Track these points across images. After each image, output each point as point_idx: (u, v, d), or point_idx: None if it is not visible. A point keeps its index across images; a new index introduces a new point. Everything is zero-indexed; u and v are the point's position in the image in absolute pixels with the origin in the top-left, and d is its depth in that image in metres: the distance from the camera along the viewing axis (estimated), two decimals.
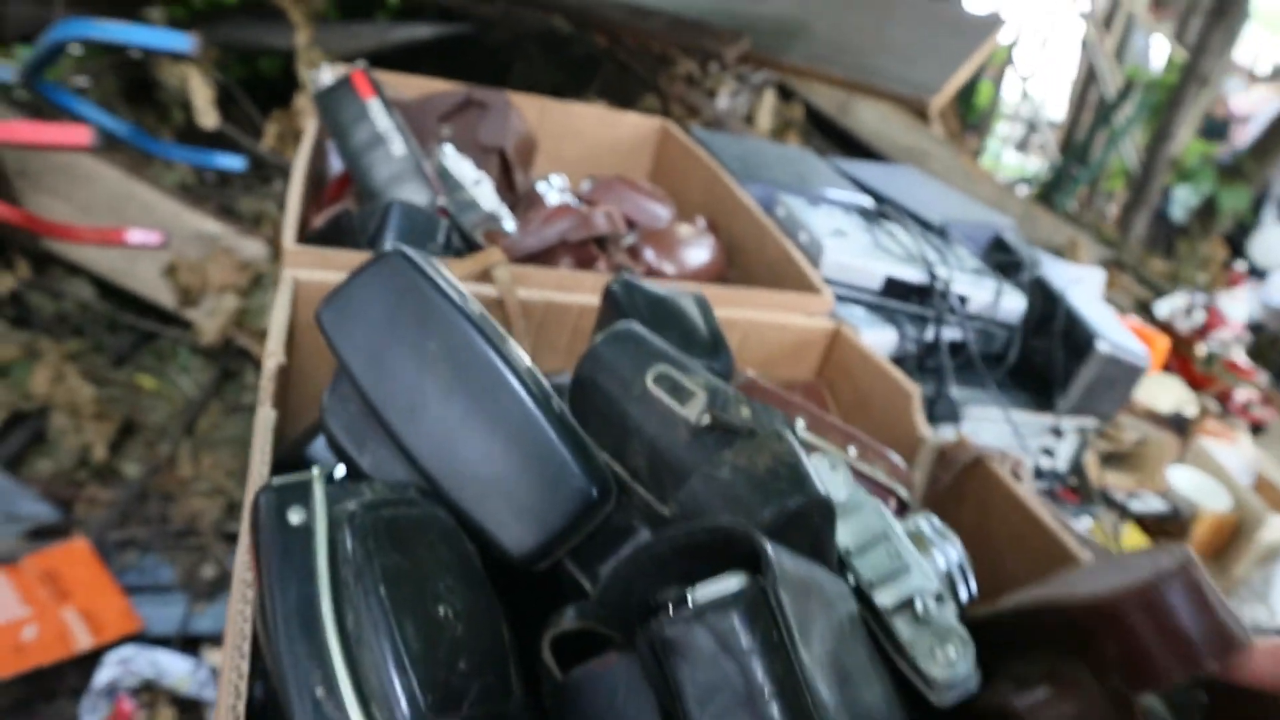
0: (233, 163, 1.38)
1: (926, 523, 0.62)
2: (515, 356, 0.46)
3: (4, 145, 1.06)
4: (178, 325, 1.76)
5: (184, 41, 1.04)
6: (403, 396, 0.45)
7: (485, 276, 0.74)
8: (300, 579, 0.40)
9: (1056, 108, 5.11)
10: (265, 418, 0.53)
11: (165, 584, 1.44)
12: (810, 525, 0.45)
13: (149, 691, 1.29)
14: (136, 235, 1.32)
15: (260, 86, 2.54)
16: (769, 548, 0.37)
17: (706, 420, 0.45)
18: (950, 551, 0.59)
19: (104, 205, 1.67)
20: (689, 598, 0.36)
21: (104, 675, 1.24)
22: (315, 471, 0.43)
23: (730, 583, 0.36)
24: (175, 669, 1.28)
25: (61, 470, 1.57)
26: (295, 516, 0.42)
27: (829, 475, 0.55)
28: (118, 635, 1.32)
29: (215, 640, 1.39)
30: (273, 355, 0.60)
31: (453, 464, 0.44)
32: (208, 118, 1.66)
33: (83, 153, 1.13)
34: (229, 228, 1.75)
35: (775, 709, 0.34)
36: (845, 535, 0.55)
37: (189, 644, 1.38)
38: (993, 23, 2.18)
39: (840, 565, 0.52)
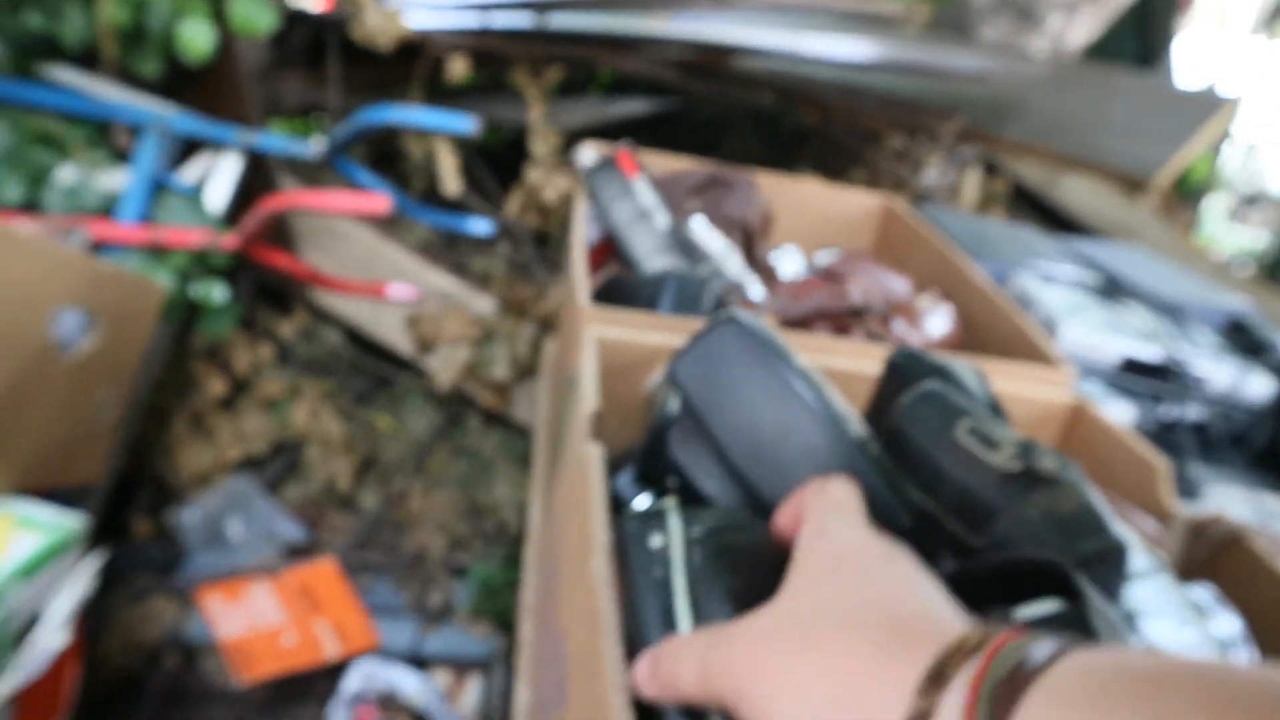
0: (484, 227, 1.53)
1: (1201, 593, 0.64)
2: (838, 403, 0.53)
3: (314, 211, 1.24)
4: (412, 372, 1.94)
5: (467, 124, 1.19)
6: (745, 437, 0.52)
7: None
8: (661, 594, 0.48)
9: (1277, 178, 4.80)
10: (594, 452, 0.61)
11: (397, 607, 1.58)
12: (1105, 568, 0.49)
13: (386, 703, 1.41)
14: (395, 290, 1.48)
15: (485, 156, 2.77)
16: (1081, 579, 0.42)
17: (1017, 466, 0.50)
18: (1231, 622, 0.61)
19: (357, 262, 1.88)
20: (1012, 616, 0.41)
21: (351, 683, 1.37)
22: (670, 502, 0.51)
23: (1049, 605, 0.41)
24: (410, 684, 1.40)
25: (310, 497, 1.75)
26: (655, 541, 0.50)
27: (1125, 533, 0.59)
28: (360, 649, 1.45)
29: (442, 662, 1.50)
30: (588, 401, 0.69)
31: (786, 493, 0.51)
32: (453, 185, 1.84)
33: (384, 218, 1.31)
34: (462, 285, 1.92)
35: None
36: (1131, 598, 0.58)
37: (416, 663, 1.50)
38: (1217, 100, 2.12)
39: (1129, 627, 0.55)
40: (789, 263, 1.17)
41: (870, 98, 1.94)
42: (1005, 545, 0.49)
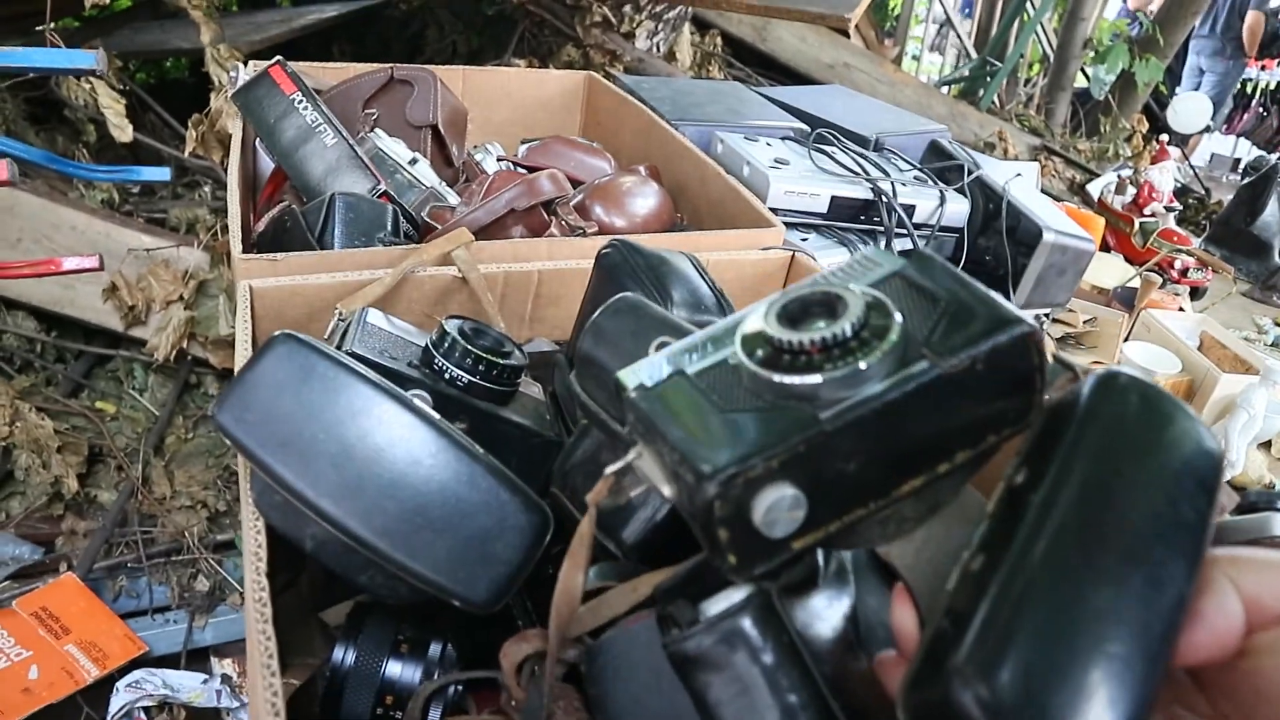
0: (159, 174, 1.35)
1: None
2: (425, 410, 0.47)
3: None
4: (128, 345, 1.73)
5: (88, 59, 1.01)
6: (330, 476, 0.44)
7: (444, 259, 0.74)
8: None
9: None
10: None
11: (161, 604, 1.44)
12: None
13: (166, 710, 1.30)
14: (72, 262, 1.29)
15: (168, 89, 2.46)
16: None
17: None
18: None
19: (32, 235, 1.63)
20: (700, 613, 0.38)
21: (118, 701, 1.25)
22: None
23: (737, 593, 0.37)
24: (187, 685, 1.29)
25: (35, 508, 1.55)
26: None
27: None
28: (123, 661, 1.32)
29: (220, 651, 1.40)
30: (240, 365, 0.60)
31: (397, 530, 0.44)
32: (123, 132, 1.61)
33: (2, 187, 1.10)
34: (163, 240, 1.71)
35: (797, 703, 0.36)
36: None
37: (195, 658, 1.39)
38: None
39: None
40: (491, 161, 1.09)
41: None
42: None
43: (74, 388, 1.72)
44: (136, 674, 1.28)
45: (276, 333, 0.46)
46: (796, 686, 0.36)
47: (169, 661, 1.35)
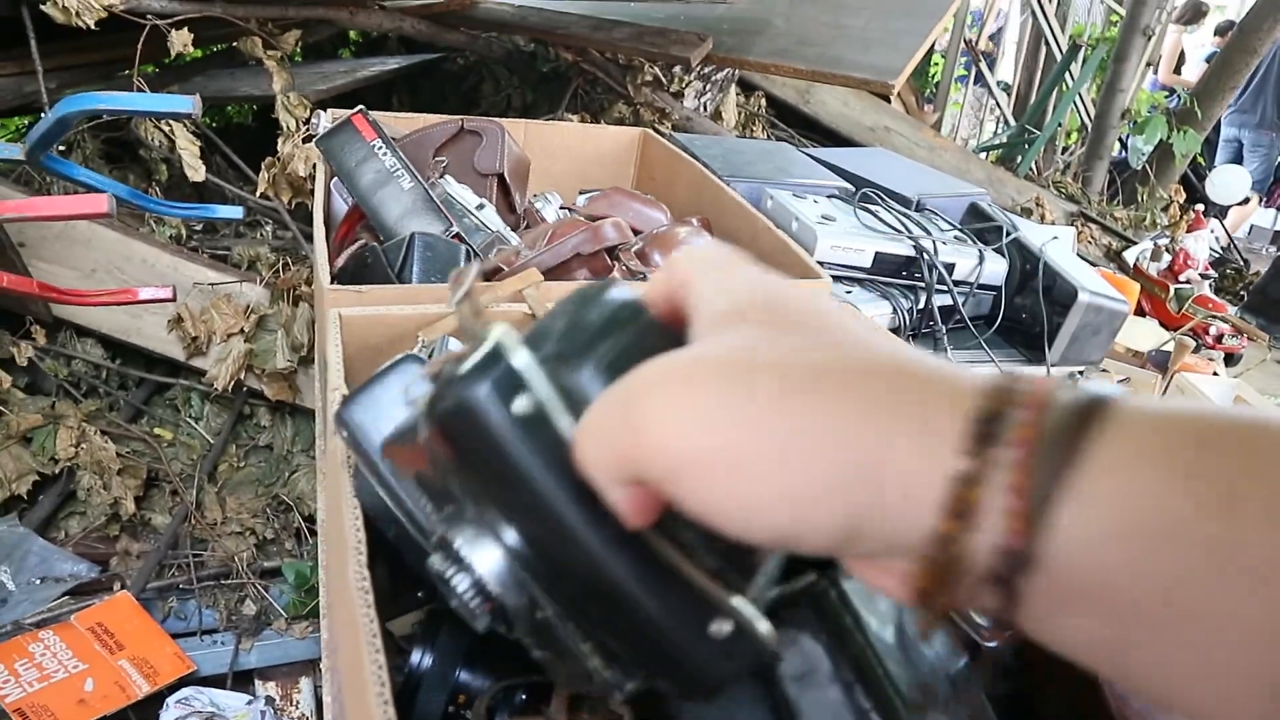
0: (232, 213, 1.43)
1: None
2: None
3: (23, 220, 1.11)
4: (188, 374, 1.80)
5: (186, 104, 1.09)
6: None
7: (516, 296, 0.79)
8: None
9: (1007, 72, 5.22)
10: (343, 447, 0.58)
11: (209, 626, 1.49)
12: None
13: None
14: (148, 292, 1.36)
15: (231, 132, 2.58)
16: None
17: None
18: None
19: (105, 266, 1.71)
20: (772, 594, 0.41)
21: (168, 716, 1.28)
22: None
23: (807, 577, 0.41)
24: (233, 705, 1.33)
25: (93, 528, 1.61)
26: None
27: None
28: (173, 678, 1.36)
29: (265, 674, 1.43)
30: (336, 389, 0.65)
31: None
32: (196, 172, 1.70)
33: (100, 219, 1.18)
34: (226, 275, 1.79)
35: (855, 679, 0.40)
36: None
37: (239, 680, 1.42)
38: (942, 1, 2.25)
39: None
40: (552, 209, 1.15)
41: (622, 30, 1.93)
42: None
43: (134, 413, 1.79)
44: (185, 691, 1.32)
45: (400, 355, 0.51)
46: (853, 670, 0.39)
47: (214, 682, 1.39)
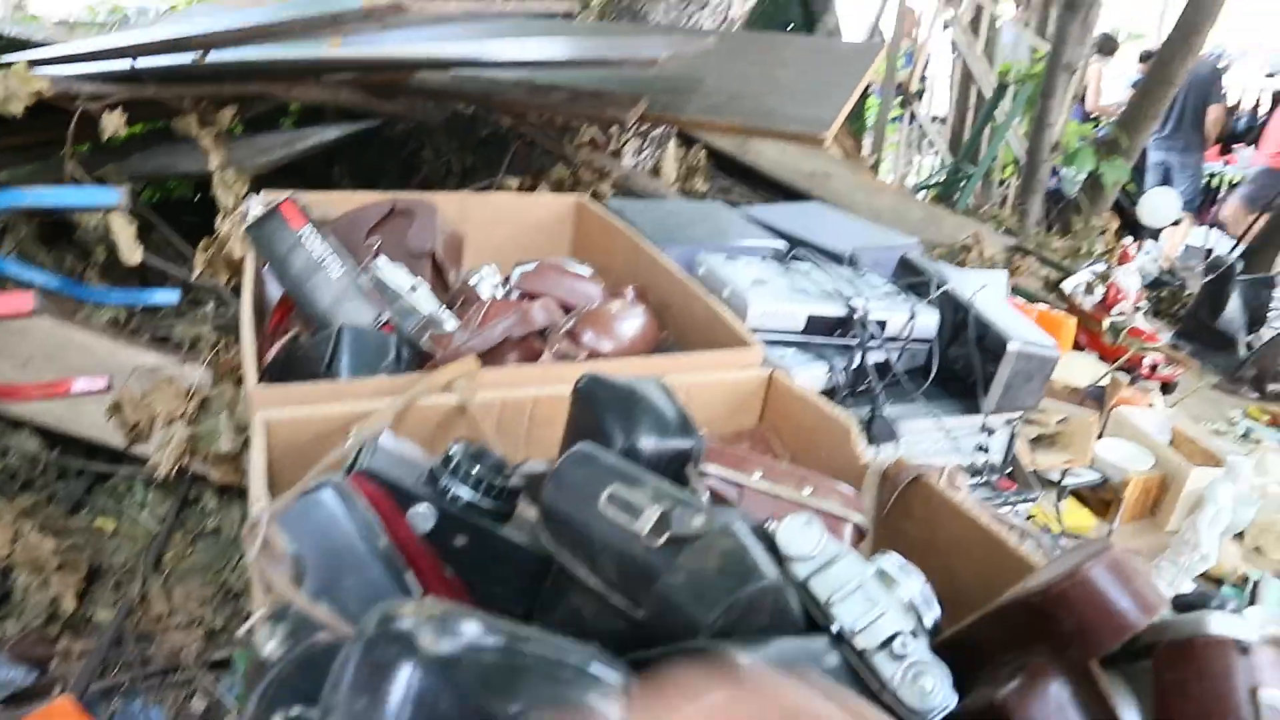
0: (168, 297, 1.41)
1: (890, 561, 0.69)
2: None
3: None
4: (129, 461, 1.76)
5: (111, 196, 1.08)
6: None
7: (448, 386, 0.79)
8: None
9: (941, 108, 5.36)
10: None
11: None
12: (767, 604, 0.52)
13: None
14: (81, 384, 1.34)
15: (172, 207, 2.55)
16: (734, 652, 0.43)
17: (658, 537, 0.51)
18: (913, 584, 0.66)
19: (42, 354, 1.68)
20: None
21: None
22: None
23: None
24: None
25: (31, 628, 1.56)
26: None
27: (803, 531, 0.62)
28: None
29: None
30: (258, 500, 0.64)
31: None
32: (133, 255, 1.68)
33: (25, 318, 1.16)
34: (167, 358, 1.77)
35: None
36: (823, 586, 0.62)
37: None
38: (870, 49, 2.31)
39: (823, 614, 0.58)
40: (487, 284, 1.16)
41: (558, 93, 1.95)
42: (665, 616, 0.49)
43: (74, 505, 1.74)
44: None
45: (318, 483, 0.51)
46: None
47: None
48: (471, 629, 0.39)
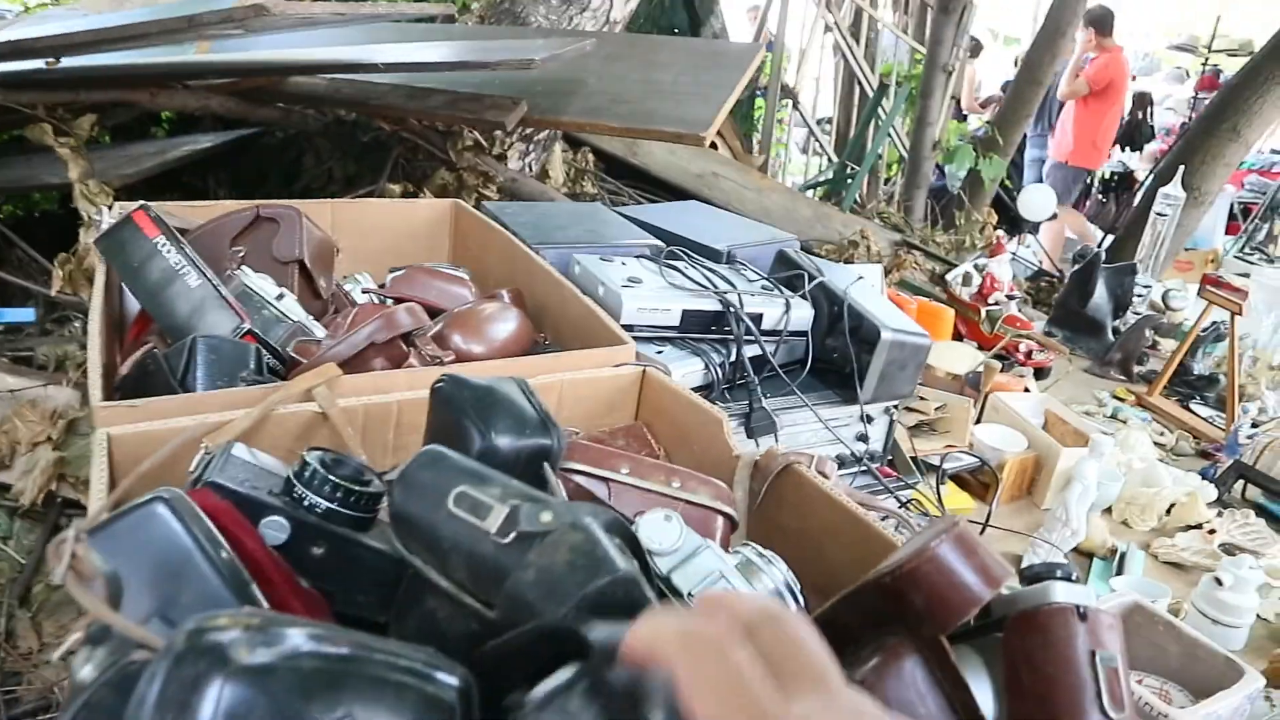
0: (23, 315, 1.34)
1: (752, 551, 0.70)
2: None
3: None
4: None
5: None
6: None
7: (306, 396, 0.77)
8: None
9: (827, 108, 5.50)
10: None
11: None
12: (620, 596, 0.51)
13: None
14: None
15: (36, 222, 2.42)
16: (587, 630, 0.43)
17: (506, 534, 0.50)
18: (776, 573, 0.68)
19: None
20: (530, 698, 0.41)
21: None
22: None
23: (566, 672, 0.41)
24: None
25: None
26: None
27: (663, 527, 0.63)
28: None
29: None
30: (90, 521, 0.61)
31: None
32: None
33: None
34: (29, 379, 1.68)
35: None
36: (685, 579, 0.63)
37: None
38: (751, 50, 2.35)
39: (685, 606, 0.58)
40: (360, 292, 1.13)
41: (436, 97, 1.93)
42: (516, 614, 0.48)
43: None
44: None
45: (150, 495, 0.49)
46: None
47: None
48: (292, 637, 0.38)
